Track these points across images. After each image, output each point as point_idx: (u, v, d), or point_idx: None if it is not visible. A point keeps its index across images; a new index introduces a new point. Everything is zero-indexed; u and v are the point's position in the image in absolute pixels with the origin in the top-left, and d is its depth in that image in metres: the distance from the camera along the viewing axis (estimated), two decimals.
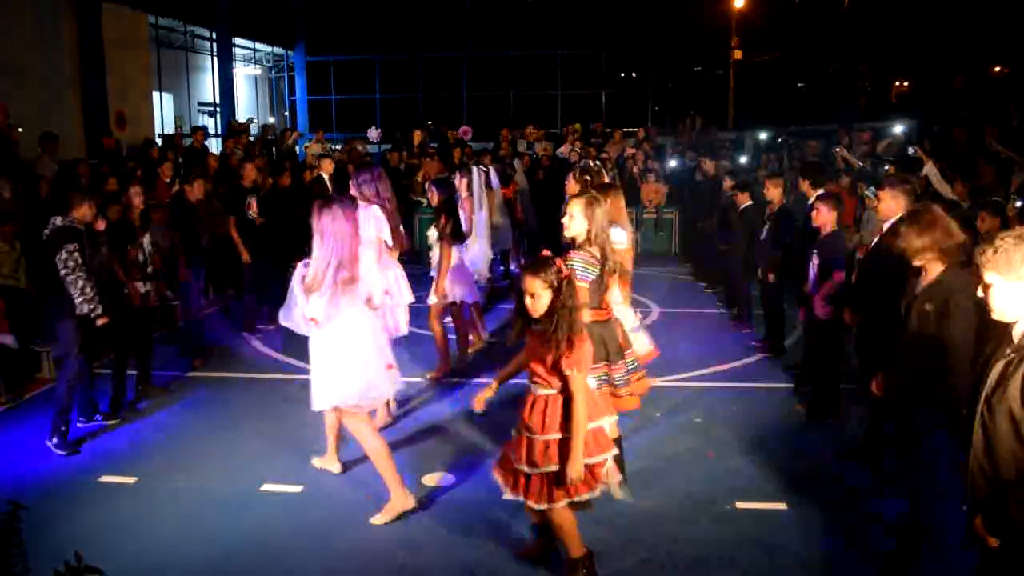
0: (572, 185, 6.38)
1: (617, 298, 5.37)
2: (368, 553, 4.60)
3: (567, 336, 3.76)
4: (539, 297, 3.80)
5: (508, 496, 4.11)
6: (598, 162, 11.29)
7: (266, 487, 5.35)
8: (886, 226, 5.52)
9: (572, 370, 3.77)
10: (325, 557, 4.58)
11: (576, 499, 3.94)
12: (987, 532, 2.94)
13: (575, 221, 4.55)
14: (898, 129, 15.17)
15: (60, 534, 4.72)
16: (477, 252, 8.40)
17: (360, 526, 4.89)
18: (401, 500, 4.95)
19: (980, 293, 2.99)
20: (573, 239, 4.63)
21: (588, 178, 6.36)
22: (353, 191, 6.26)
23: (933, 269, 4.16)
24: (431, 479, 5.45)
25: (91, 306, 6.04)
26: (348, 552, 4.63)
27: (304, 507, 5.10)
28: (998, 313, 2.95)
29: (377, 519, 4.89)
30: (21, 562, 3.01)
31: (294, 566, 4.50)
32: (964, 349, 3.91)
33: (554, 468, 3.88)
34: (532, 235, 13.17)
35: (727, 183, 10.22)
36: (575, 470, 3.79)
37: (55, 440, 6.07)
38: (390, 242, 6.28)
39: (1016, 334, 2.92)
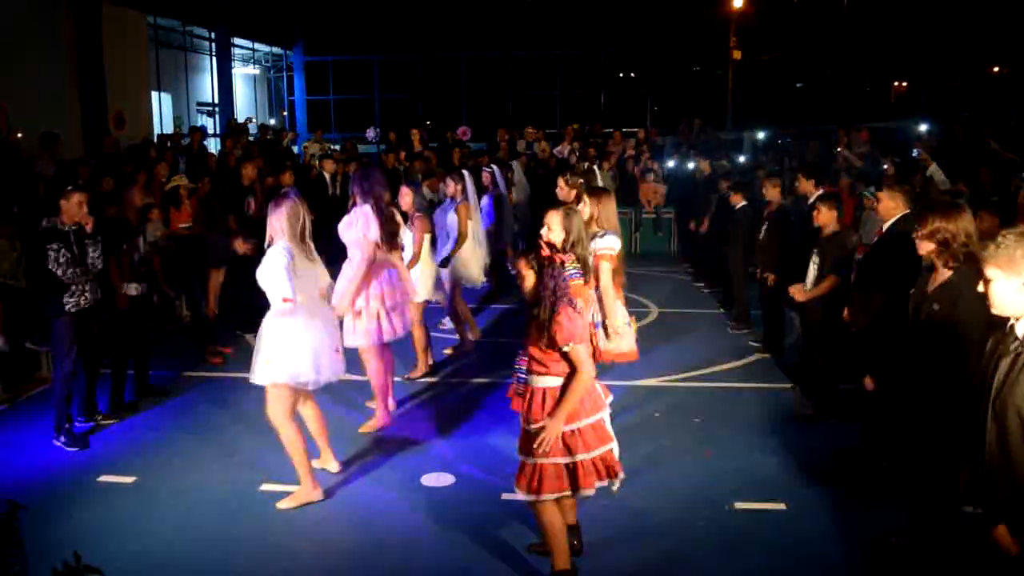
0: (563, 189, 6.41)
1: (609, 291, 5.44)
2: (367, 553, 4.60)
3: (551, 315, 3.82)
4: (525, 278, 3.95)
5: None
6: (591, 164, 11.31)
7: (265, 487, 5.35)
8: (885, 226, 5.52)
9: (569, 344, 3.80)
10: (324, 557, 4.58)
11: (583, 493, 3.95)
12: (1012, 536, 2.93)
13: (553, 232, 4.64)
14: (923, 128, 15.10)
15: (59, 534, 4.72)
16: (471, 255, 8.38)
17: (359, 526, 4.90)
18: (308, 491, 5.11)
19: (980, 288, 3.00)
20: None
21: (581, 182, 6.39)
22: (351, 189, 6.28)
23: (942, 269, 4.13)
24: (431, 479, 5.46)
25: (73, 300, 6.05)
26: (347, 551, 4.63)
27: (303, 507, 5.09)
28: (998, 308, 2.97)
29: (283, 504, 5.06)
30: (20, 562, 3.01)
31: (293, 566, 4.50)
32: (971, 349, 3.91)
33: (558, 460, 3.89)
34: (527, 235, 13.15)
35: (724, 183, 10.22)
36: (553, 429, 3.81)
37: (63, 439, 6.09)
38: (380, 242, 6.17)
39: (1020, 331, 2.93)
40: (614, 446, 4.04)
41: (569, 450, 3.89)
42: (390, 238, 6.27)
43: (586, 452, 3.89)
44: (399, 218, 6.64)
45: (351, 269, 6.16)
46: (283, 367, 4.90)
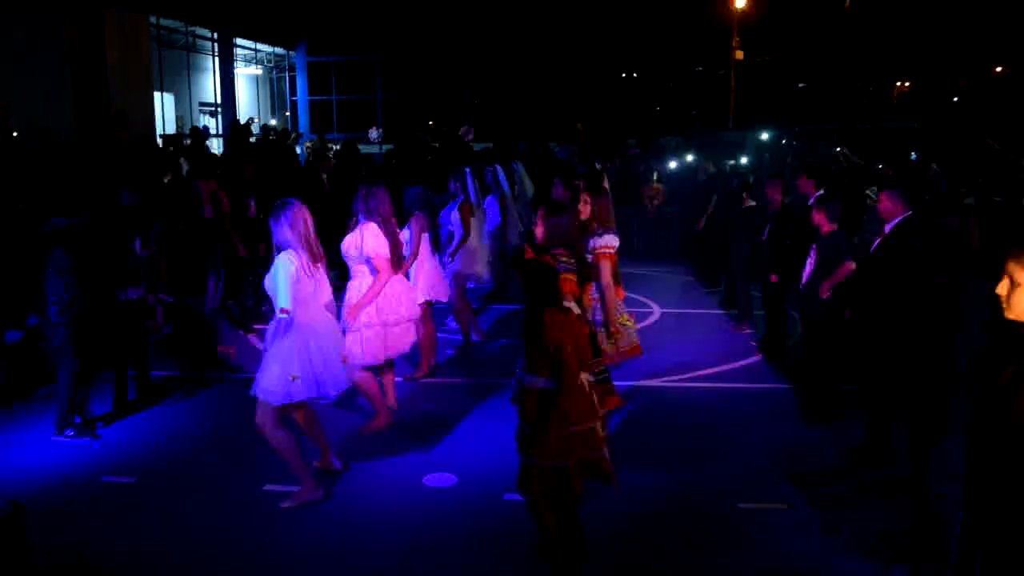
0: (559, 191, 6.44)
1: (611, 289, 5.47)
2: (368, 553, 4.61)
3: (536, 315, 3.83)
4: (518, 283, 4.00)
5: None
6: (597, 164, 11.32)
7: (268, 487, 5.35)
8: (888, 228, 5.51)
9: (553, 347, 3.79)
10: (327, 556, 4.58)
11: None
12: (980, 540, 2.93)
13: (537, 227, 4.78)
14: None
15: (61, 533, 4.72)
16: (475, 252, 8.38)
17: (361, 526, 4.90)
18: (309, 491, 5.13)
19: (1000, 290, 2.93)
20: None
21: (575, 183, 6.42)
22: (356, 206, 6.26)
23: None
24: (433, 479, 5.46)
25: (75, 302, 6.10)
26: (349, 552, 4.63)
27: (304, 507, 5.10)
28: (1016, 314, 2.89)
29: (286, 504, 5.09)
30: (24, 561, 3.02)
31: (294, 566, 4.51)
32: (973, 352, 3.90)
33: (553, 463, 3.89)
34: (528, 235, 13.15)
35: (732, 183, 10.22)
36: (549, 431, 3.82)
37: (69, 432, 6.15)
38: (387, 259, 6.14)
39: None
40: (604, 453, 4.00)
41: (561, 453, 3.88)
42: (396, 256, 6.29)
43: (574, 457, 3.89)
44: (402, 235, 6.66)
45: (358, 286, 6.16)
46: (304, 386, 4.89)
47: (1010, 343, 2.98)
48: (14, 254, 7.59)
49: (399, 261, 6.38)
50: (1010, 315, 2.90)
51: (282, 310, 4.76)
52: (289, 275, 4.78)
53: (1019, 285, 2.84)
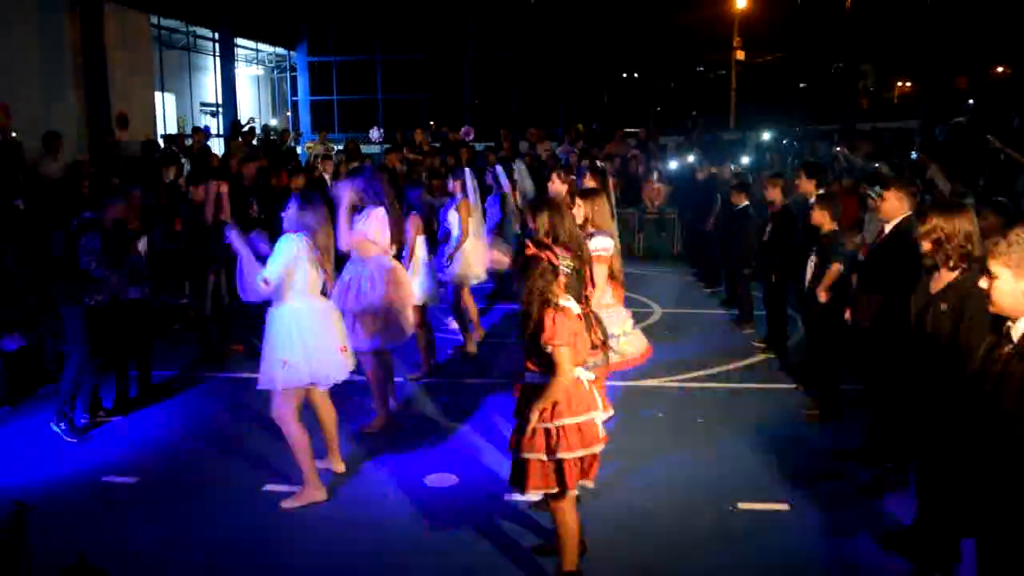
0: (555, 183, 6.44)
1: (608, 299, 5.43)
2: (369, 553, 4.61)
3: (536, 312, 3.83)
4: (517, 279, 3.94)
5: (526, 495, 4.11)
6: (602, 163, 11.31)
7: (269, 487, 5.36)
8: (888, 227, 5.51)
9: (548, 344, 3.79)
10: (328, 556, 4.59)
11: (569, 493, 3.94)
12: (972, 526, 2.95)
13: (530, 223, 4.83)
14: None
15: (62, 534, 4.74)
16: (473, 253, 8.37)
17: (362, 526, 4.90)
18: (313, 491, 5.12)
19: (983, 284, 2.94)
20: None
21: (573, 178, 6.42)
22: (355, 198, 6.25)
23: (946, 269, 4.11)
24: (434, 479, 5.46)
25: (91, 295, 6.21)
26: (349, 552, 4.64)
27: (305, 507, 5.10)
28: (998, 307, 2.90)
29: (287, 504, 5.08)
30: (25, 562, 3.02)
31: (297, 566, 4.51)
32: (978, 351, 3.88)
33: (541, 456, 3.90)
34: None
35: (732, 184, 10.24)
36: (529, 424, 3.82)
37: (63, 426, 6.18)
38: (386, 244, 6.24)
39: (1016, 333, 2.89)
40: (598, 450, 3.99)
41: (550, 448, 3.87)
42: (398, 236, 6.37)
43: (568, 451, 3.86)
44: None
45: (355, 268, 6.16)
46: (299, 370, 4.91)
47: (996, 337, 3.00)
48: (15, 255, 7.61)
49: (400, 240, 6.49)
50: (994, 309, 2.93)
51: (264, 279, 4.77)
52: (288, 253, 4.82)
53: (997, 279, 2.88)
